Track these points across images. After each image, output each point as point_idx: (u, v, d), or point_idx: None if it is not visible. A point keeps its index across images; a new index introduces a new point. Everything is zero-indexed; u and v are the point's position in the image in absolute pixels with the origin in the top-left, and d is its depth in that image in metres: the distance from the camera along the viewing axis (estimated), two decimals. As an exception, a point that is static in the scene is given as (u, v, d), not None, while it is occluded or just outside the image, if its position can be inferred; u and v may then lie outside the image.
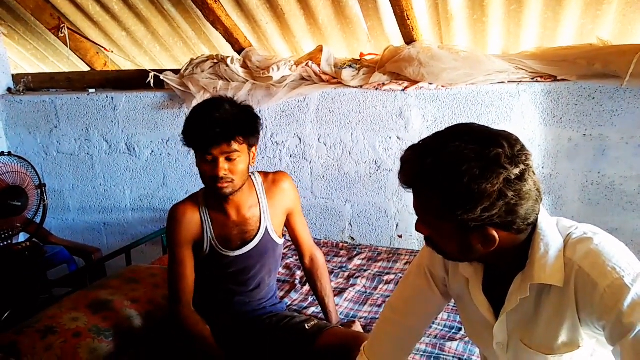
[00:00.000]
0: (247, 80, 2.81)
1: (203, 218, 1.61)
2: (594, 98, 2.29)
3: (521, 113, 2.42)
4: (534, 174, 0.86)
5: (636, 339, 0.80)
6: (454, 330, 1.83)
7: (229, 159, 1.48)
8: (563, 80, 2.35)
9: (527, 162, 0.84)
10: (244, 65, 2.85)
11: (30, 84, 3.38)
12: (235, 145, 1.47)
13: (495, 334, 1.03)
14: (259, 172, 1.75)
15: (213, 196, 1.60)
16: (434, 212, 0.89)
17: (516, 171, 0.82)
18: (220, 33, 2.87)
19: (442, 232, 0.92)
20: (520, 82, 2.42)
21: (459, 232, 0.88)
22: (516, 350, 1.02)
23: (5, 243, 2.42)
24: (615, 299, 0.82)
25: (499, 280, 0.99)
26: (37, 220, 2.52)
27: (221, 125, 1.45)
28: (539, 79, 2.40)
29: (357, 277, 2.31)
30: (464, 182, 0.81)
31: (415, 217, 0.96)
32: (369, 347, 1.26)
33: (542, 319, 0.96)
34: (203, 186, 1.61)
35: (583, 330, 0.92)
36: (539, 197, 0.87)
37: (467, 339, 1.74)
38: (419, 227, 0.96)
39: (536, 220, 0.90)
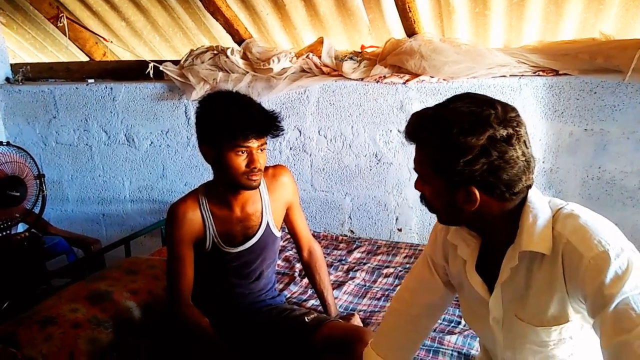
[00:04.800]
0: (247, 72, 2.80)
1: (205, 216, 1.60)
2: (595, 93, 2.29)
3: (522, 107, 2.41)
4: (527, 145, 0.90)
5: (616, 311, 0.82)
6: (452, 324, 1.83)
7: (260, 151, 1.51)
8: (565, 74, 2.34)
9: (517, 129, 0.88)
10: (244, 57, 2.83)
11: (28, 74, 3.35)
12: (265, 138, 1.51)
13: (490, 309, 1.05)
14: None
15: (231, 191, 1.59)
16: (428, 166, 0.94)
17: (503, 132, 0.86)
18: (220, 24, 2.86)
19: (433, 187, 0.97)
20: (522, 76, 2.41)
21: (446, 187, 0.94)
22: (511, 325, 1.04)
23: (4, 233, 2.41)
24: (598, 270, 0.85)
25: (494, 262, 1.02)
26: (36, 210, 2.51)
27: (264, 117, 1.48)
28: (540, 73, 2.39)
29: (357, 270, 2.31)
30: (452, 133, 0.87)
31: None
32: (376, 340, 1.29)
33: (532, 291, 0.98)
34: (203, 180, 1.60)
35: (571, 304, 0.94)
36: (527, 168, 0.90)
37: (466, 332, 1.75)
38: (416, 184, 1.01)
39: (524, 192, 0.94)
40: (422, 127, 0.94)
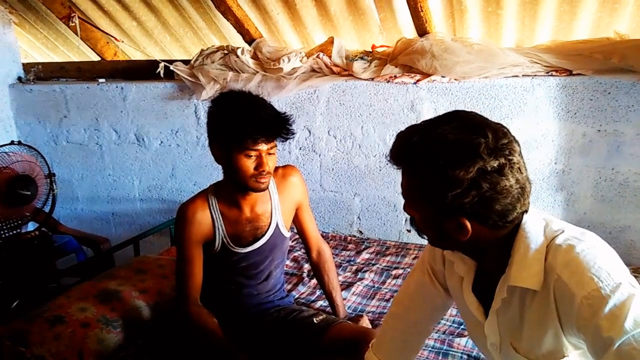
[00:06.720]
0: (258, 72, 2.79)
1: (214, 216, 1.59)
2: (609, 93, 2.25)
3: (535, 107, 2.38)
4: (521, 171, 0.84)
5: (620, 352, 0.75)
6: (462, 327, 1.81)
7: (269, 154, 1.50)
8: (578, 74, 2.31)
9: (510, 157, 0.82)
10: (255, 57, 2.83)
11: (40, 73, 3.38)
12: (275, 141, 1.50)
13: (487, 334, 1.01)
14: None
15: (240, 191, 1.58)
16: (414, 193, 0.90)
17: (494, 164, 0.80)
18: (230, 23, 2.85)
19: (422, 214, 0.92)
20: (534, 76, 2.38)
21: (435, 216, 0.89)
22: (507, 352, 1.00)
23: (14, 232, 2.43)
24: (592, 311, 0.78)
25: (490, 284, 0.97)
26: (46, 209, 2.53)
27: (274, 121, 1.47)
28: (554, 73, 2.36)
29: (365, 271, 2.30)
30: (438, 165, 0.81)
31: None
32: (377, 343, 1.26)
33: (526, 324, 0.93)
34: (212, 179, 1.59)
35: (568, 340, 0.89)
36: (521, 196, 0.84)
37: (476, 335, 1.73)
38: (405, 207, 0.96)
39: (519, 218, 0.88)
40: (406, 154, 0.88)
